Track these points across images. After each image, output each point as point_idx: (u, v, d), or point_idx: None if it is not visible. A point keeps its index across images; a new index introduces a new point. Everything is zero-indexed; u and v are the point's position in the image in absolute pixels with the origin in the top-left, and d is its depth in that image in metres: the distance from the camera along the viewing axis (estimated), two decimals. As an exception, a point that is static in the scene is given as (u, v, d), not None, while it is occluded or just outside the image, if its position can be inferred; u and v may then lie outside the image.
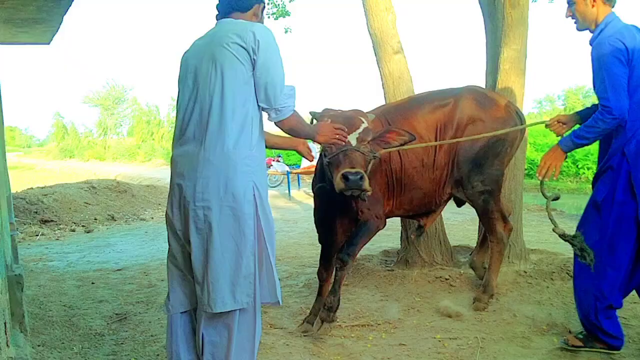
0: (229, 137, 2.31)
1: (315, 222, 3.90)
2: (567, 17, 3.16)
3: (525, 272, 4.45)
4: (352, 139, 3.12)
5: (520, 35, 4.65)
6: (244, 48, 2.32)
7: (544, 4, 9.57)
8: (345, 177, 2.97)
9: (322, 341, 3.46)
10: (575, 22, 3.14)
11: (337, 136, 2.86)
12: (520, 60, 4.68)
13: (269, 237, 2.41)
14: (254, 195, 2.35)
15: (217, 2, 2.61)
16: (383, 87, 4.99)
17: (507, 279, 4.36)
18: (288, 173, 14.44)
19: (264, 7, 2.67)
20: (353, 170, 2.98)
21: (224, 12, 2.57)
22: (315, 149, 14.34)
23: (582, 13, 3.07)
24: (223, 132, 2.31)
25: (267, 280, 2.41)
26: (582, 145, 3.16)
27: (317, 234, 3.95)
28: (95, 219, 9.54)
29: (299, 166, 15.23)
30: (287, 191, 13.90)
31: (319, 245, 3.95)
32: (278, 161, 16.03)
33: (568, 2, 3.13)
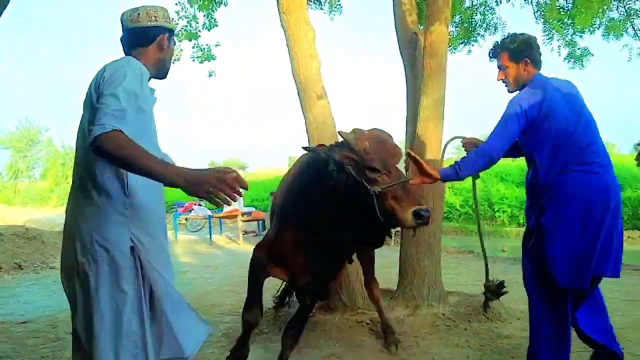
0: (100, 186, 2.13)
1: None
2: (498, 80, 3.36)
3: (444, 315, 4.51)
4: (402, 167, 2.89)
5: (438, 84, 4.84)
6: (96, 92, 2.13)
7: (463, 55, 10.12)
8: (418, 214, 2.69)
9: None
10: (506, 85, 3.35)
11: (215, 191, 1.92)
12: (439, 108, 4.86)
13: (162, 289, 2.21)
14: (133, 246, 2.14)
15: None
16: (307, 132, 5.03)
17: (426, 322, 4.40)
18: (210, 217, 14.19)
19: (171, 36, 2.46)
20: (424, 207, 2.73)
21: (127, 49, 2.40)
22: (242, 200, 14.21)
23: (514, 77, 3.30)
24: (94, 182, 2.14)
25: (166, 335, 2.21)
26: (457, 176, 3.19)
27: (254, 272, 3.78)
28: (0, 268, 8.91)
29: (222, 210, 15.00)
30: (208, 236, 13.62)
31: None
32: (200, 205, 15.74)
33: (500, 67, 3.33)
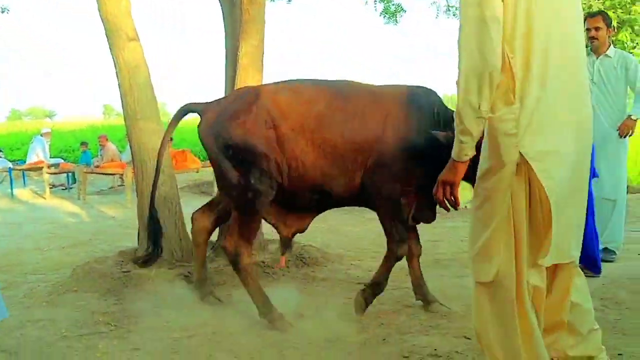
0: None
1: None
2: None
3: (264, 263, 4.57)
4: None
5: (258, 31, 4.76)
6: None
7: (282, 4, 10.11)
8: None
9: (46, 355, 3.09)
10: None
11: None
12: (258, 57, 4.80)
13: None
14: None
15: None
16: (118, 77, 4.68)
17: (246, 270, 4.42)
18: (10, 170, 12.82)
19: None
20: None
21: None
22: (44, 144, 13.04)
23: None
24: None
25: None
26: None
27: None
28: None
29: (24, 162, 13.63)
30: (9, 190, 12.34)
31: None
32: (-1, 157, 14.15)
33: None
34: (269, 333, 3.35)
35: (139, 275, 4.29)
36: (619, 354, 2.76)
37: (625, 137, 4.68)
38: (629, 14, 9.66)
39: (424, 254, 5.37)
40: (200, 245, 3.91)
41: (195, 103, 3.74)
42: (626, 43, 11.48)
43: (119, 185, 12.65)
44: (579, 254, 2.19)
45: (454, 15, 8.22)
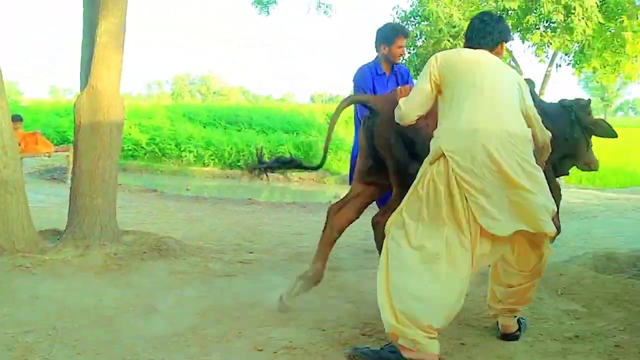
0: None
1: None
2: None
3: (116, 254, 4.35)
4: None
5: (119, 9, 4.55)
6: None
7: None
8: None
9: None
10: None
11: None
12: (119, 36, 4.57)
13: None
14: None
15: None
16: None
17: (96, 262, 4.18)
18: None
19: None
20: None
21: None
22: None
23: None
24: None
25: None
26: None
27: None
28: None
29: None
30: None
31: None
32: None
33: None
34: (117, 327, 3.18)
35: (-28, 265, 3.90)
36: (461, 344, 2.98)
37: None
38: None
39: (287, 247, 5.50)
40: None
41: (360, 95, 4.25)
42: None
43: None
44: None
45: (325, 13, 8.37)
